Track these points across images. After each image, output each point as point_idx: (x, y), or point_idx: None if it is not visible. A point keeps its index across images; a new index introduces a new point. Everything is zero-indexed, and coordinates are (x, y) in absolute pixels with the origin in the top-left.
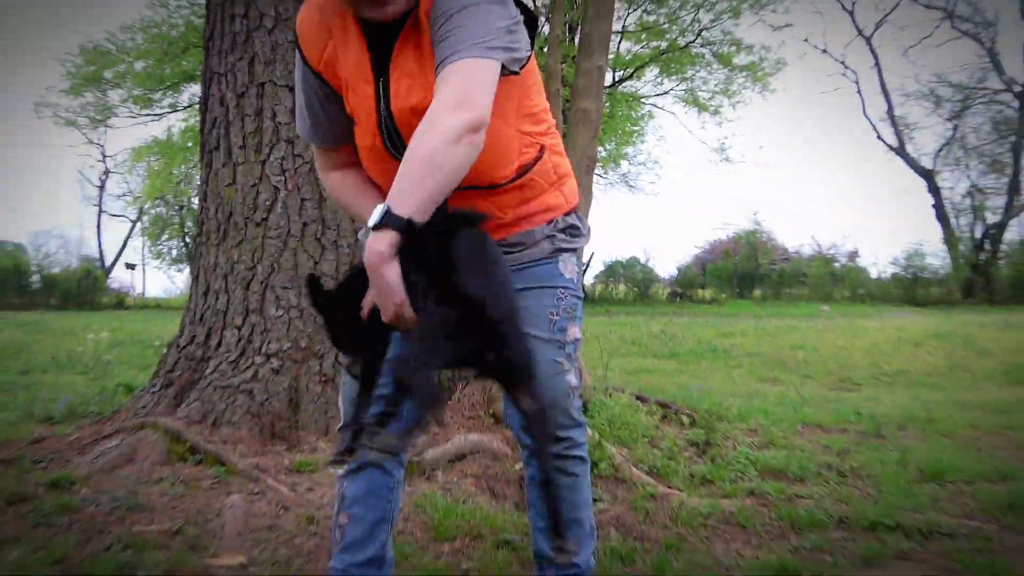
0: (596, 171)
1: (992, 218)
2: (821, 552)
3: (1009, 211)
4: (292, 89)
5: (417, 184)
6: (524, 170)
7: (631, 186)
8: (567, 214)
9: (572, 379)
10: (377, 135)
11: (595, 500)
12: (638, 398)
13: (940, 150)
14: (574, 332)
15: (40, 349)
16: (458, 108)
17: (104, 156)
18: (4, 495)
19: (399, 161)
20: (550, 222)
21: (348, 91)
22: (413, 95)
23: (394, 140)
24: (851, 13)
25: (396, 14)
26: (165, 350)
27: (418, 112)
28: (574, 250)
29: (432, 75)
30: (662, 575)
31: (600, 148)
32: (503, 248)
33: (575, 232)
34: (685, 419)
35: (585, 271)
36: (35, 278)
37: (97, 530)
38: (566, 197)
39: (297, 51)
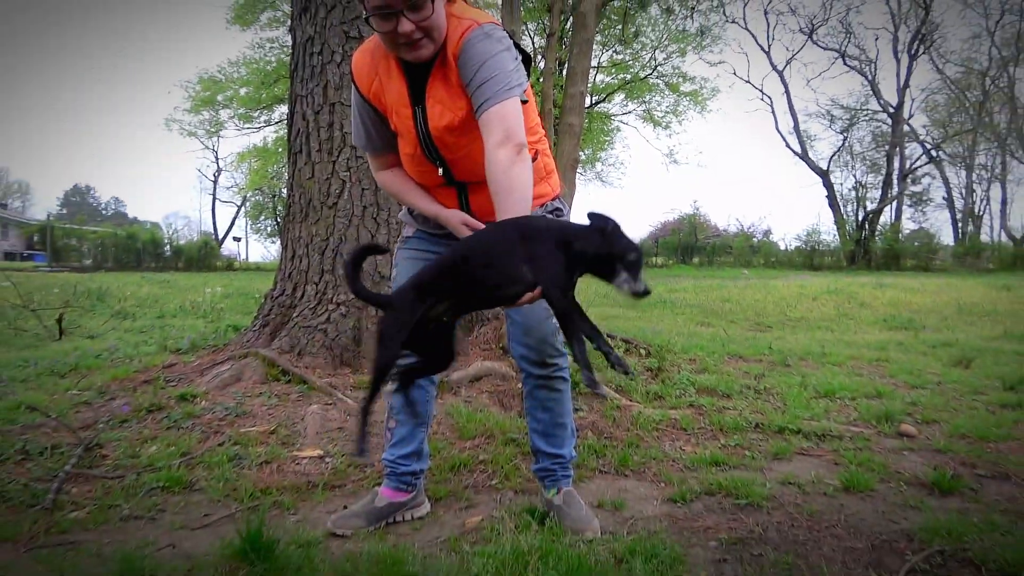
0: (578, 170)
1: (871, 206)
2: (742, 449)
3: (883, 201)
4: None
5: (513, 204)
6: None
7: (603, 181)
8: (553, 199)
9: (555, 322)
10: (417, 146)
11: (577, 410)
12: (608, 335)
13: (833, 155)
14: None
15: (170, 300)
16: (506, 141)
17: (217, 159)
18: (145, 405)
19: (433, 164)
20: (542, 206)
21: (392, 114)
22: (444, 117)
23: (430, 149)
24: (768, 53)
25: (428, 56)
26: (263, 300)
27: (450, 129)
28: None
29: (459, 100)
30: (625, 464)
31: (581, 153)
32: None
33: (559, 213)
34: (643, 351)
35: None
36: (167, 248)
37: (213, 431)
38: (552, 187)
39: (353, 84)
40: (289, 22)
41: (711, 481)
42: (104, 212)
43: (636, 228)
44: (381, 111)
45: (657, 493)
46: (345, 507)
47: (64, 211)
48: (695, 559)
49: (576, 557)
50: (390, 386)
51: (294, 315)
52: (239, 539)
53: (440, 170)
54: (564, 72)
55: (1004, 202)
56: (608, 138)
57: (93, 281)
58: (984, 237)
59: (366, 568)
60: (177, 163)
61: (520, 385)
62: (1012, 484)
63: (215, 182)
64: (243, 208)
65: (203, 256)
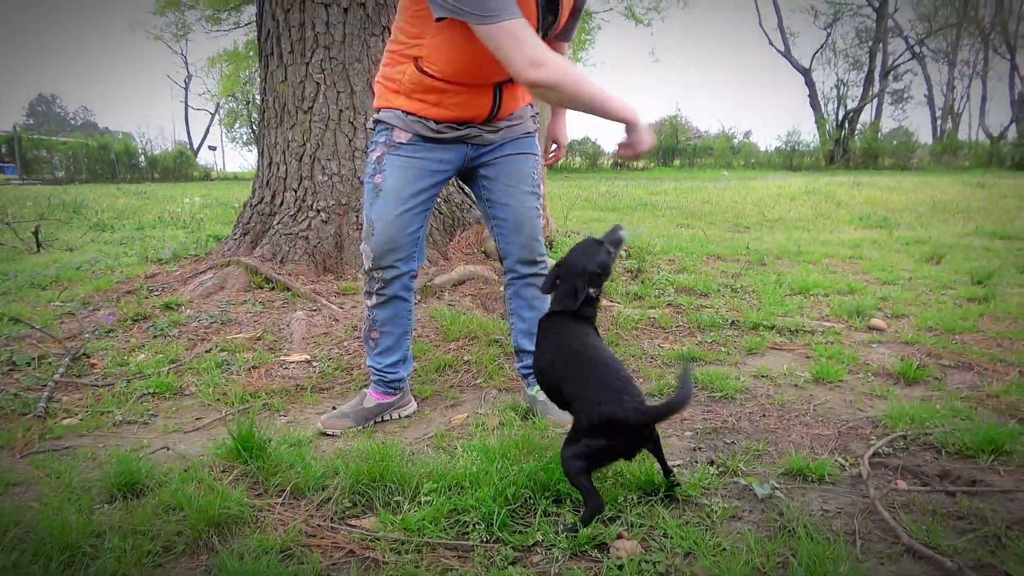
0: None
1: (851, 104)
2: (718, 344)
3: (864, 99)
4: (327, 6)
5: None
6: None
7: None
8: (530, 105)
9: (541, 220)
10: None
11: None
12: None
13: (816, 52)
14: (543, 188)
15: (149, 211)
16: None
17: (186, 63)
18: (130, 315)
19: None
20: (528, 105)
21: None
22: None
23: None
24: None
25: None
26: (242, 209)
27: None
28: (536, 131)
29: None
30: None
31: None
32: (509, 120)
33: (536, 118)
34: (623, 253)
35: None
36: (142, 158)
37: (200, 339)
38: (527, 93)
39: None
40: None
41: None
42: (73, 122)
43: (617, 131)
44: None
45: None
46: (334, 408)
47: (31, 121)
48: (672, 448)
49: (557, 448)
50: (373, 300)
51: (274, 222)
52: (231, 440)
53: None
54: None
55: (984, 99)
56: (589, 37)
57: (68, 193)
58: (962, 135)
59: (356, 464)
60: (146, 69)
61: (502, 288)
62: (975, 373)
63: (186, 89)
64: (217, 116)
65: (179, 166)
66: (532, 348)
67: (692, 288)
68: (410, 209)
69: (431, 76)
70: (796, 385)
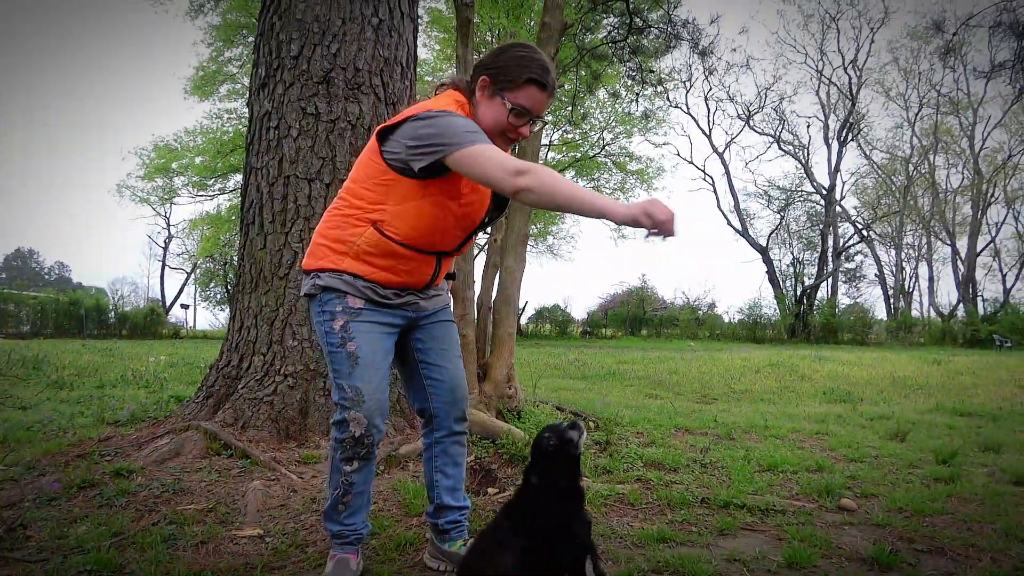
0: (529, 244)
1: (808, 281)
2: (689, 524)
3: (819, 276)
4: (310, 181)
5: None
6: None
7: (555, 254)
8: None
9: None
10: (484, 211)
11: None
12: (558, 408)
13: (771, 233)
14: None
15: (112, 368)
16: None
17: (168, 225)
18: (76, 482)
19: (471, 232)
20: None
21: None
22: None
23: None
24: (708, 136)
25: None
26: (208, 371)
27: None
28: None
29: None
30: None
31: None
32: (436, 289)
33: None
34: (592, 424)
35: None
36: (111, 314)
37: (149, 509)
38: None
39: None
40: (247, 95)
41: (659, 559)
42: (47, 276)
43: (586, 300)
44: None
45: (606, 572)
46: None
47: (3, 276)
48: None
49: None
50: (354, 465)
51: (239, 386)
52: None
53: (463, 239)
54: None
55: (931, 279)
56: (560, 214)
57: (30, 349)
58: (915, 312)
59: None
60: (126, 228)
61: (471, 458)
62: (947, 558)
63: (165, 248)
64: (193, 275)
65: (149, 323)
66: (456, 503)
67: (661, 462)
68: (386, 373)
69: (392, 240)
70: (769, 571)
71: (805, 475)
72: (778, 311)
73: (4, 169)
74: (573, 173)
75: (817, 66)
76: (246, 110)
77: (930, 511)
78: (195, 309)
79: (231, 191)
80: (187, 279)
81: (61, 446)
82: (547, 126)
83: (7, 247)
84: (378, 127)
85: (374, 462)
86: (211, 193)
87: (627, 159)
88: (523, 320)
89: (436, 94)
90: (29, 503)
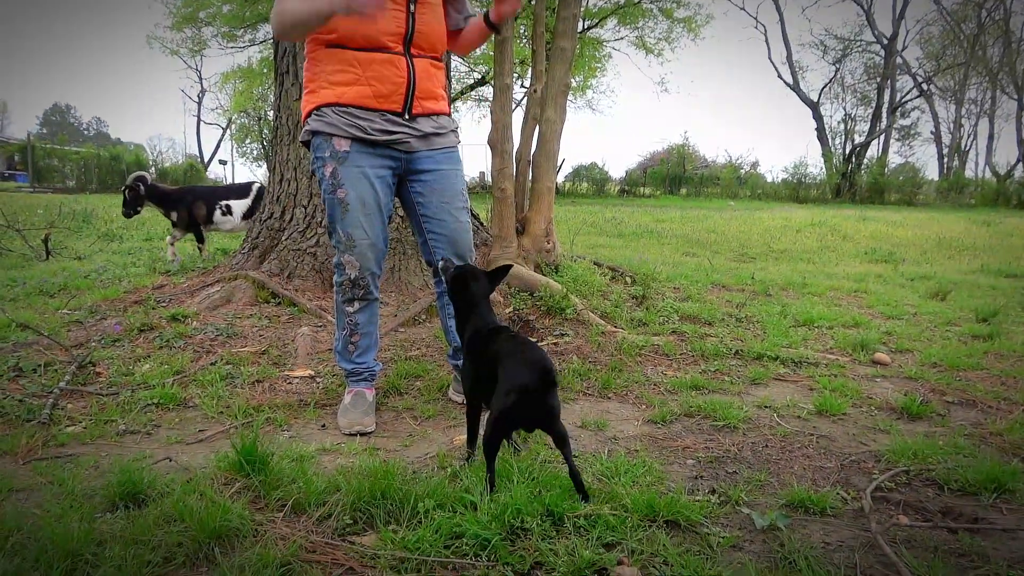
0: (568, 96)
1: (859, 139)
2: (721, 374)
3: (871, 134)
4: None
5: None
6: (444, 55)
7: (593, 109)
8: (450, 116)
9: (470, 234)
10: None
11: (562, 335)
12: (595, 263)
13: (824, 87)
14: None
15: (157, 223)
16: None
17: (200, 79)
18: (137, 325)
19: (406, 14)
20: (450, 116)
21: None
22: None
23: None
24: None
25: None
26: (252, 223)
27: None
28: (458, 144)
29: None
30: (608, 387)
31: (572, 79)
32: (434, 125)
33: (458, 132)
34: (628, 279)
35: (558, 172)
36: (152, 170)
37: (205, 350)
38: (449, 107)
39: None
40: None
41: (690, 404)
42: (86, 132)
43: (625, 158)
44: None
45: (638, 415)
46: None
47: (44, 131)
48: (673, 476)
49: (557, 476)
50: (355, 307)
51: (283, 238)
52: (234, 453)
53: (407, 26)
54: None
55: (991, 137)
56: (599, 65)
57: (78, 202)
58: (969, 173)
59: (357, 481)
60: (160, 83)
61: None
62: (978, 410)
63: (199, 103)
64: (228, 131)
65: (189, 179)
66: None
67: (696, 316)
68: (379, 219)
69: (340, 47)
70: (799, 417)
71: (840, 330)
72: (824, 170)
73: (36, 24)
74: (615, 21)
75: None
76: None
77: (965, 366)
78: (233, 165)
79: (261, 42)
80: (223, 135)
81: (118, 293)
82: None
83: (45, 103)
84: None
85: (375, 304)
86: (241, 44)
87: (674, 5)
88: (560, 178)
89: None
90: (95, 343)
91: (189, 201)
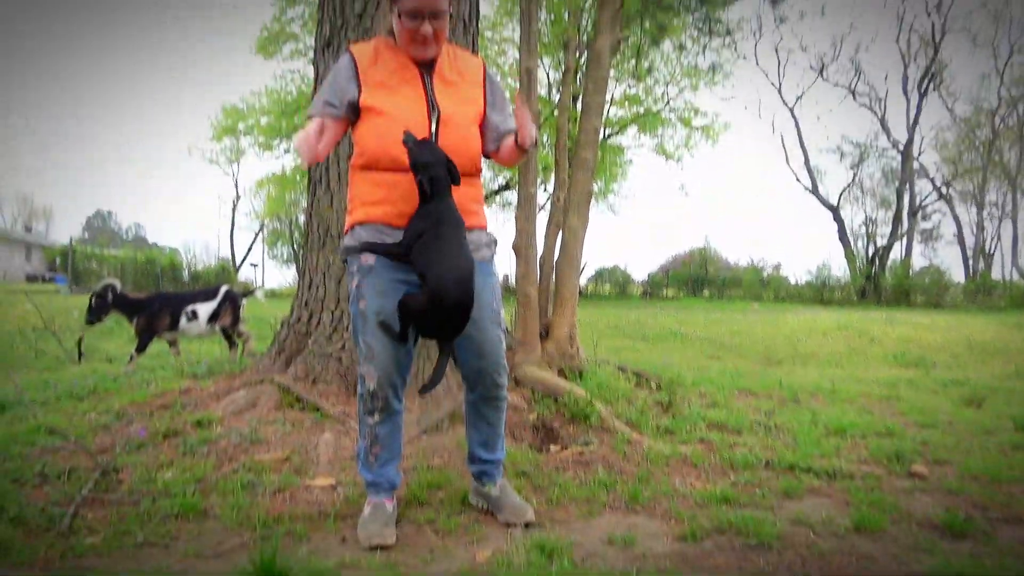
0: (591, 202)
1: (881, 241)
2: (752, 486)
3: (893, 236)
4: None
5: None
6: (479, 170)
7: (615, 213)
8: (485, 230)
9: (504, 346)
10: (428, 128)
11: (587, 443)
12: (619, 368)
13: (843, 191)
14: (503, 313)
15: None
16: None
17: (236, 185)
18: (162, 430)
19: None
20: (486, 230)
21: (379, 90)
22: (454, 112)
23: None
24: (779, 90)
25: (433, 56)
26: (279, 327)
27: (454, 123)
28: (493, 257)
29: (465, 105)
30: (636, 500)
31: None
32: (472, 240)
33: (495, 245)
34: (653, 385)
35: (580, 274)
36: (185, 272)
37: (228, 457)
38: (485, 218)
39: (348, 53)
40: (311, 54)
41: (721, 519)
42: (125, 236)
43: (648, 260)
44: (358, 86)
45: (667, 530)
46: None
47: (86, 235)
48: None
49: None
50: (375, 418)
51: (309, 342)
52: (252, 568)
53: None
54: (579, 106)
55: (1015, 239)
56: (620, 171)
57: None
58: (995, 275)
59: None
60: (197, 190)
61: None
62: None
63: (233, 208)
64: (261, 234)
65: (220, 281)
66: (487, 456)
67: (724, 424)
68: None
69: (368, 168)
70: (836, 534)
71: (874, 440)
72: (848, 272)
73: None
74: (636, 129)
75: (897, 11)
76: (309, 69)
77: (1007, 479)
78: (263, 267)
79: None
80: (255, 238)
81: (146, 396)
82: (612, 78)
83: (88, 209)
84: None
85: (398, 417)
86: (276, 154)
87: (692, 114)
88: (583, 281)
89: None
90: (120, 449)
91: (155, 309)
